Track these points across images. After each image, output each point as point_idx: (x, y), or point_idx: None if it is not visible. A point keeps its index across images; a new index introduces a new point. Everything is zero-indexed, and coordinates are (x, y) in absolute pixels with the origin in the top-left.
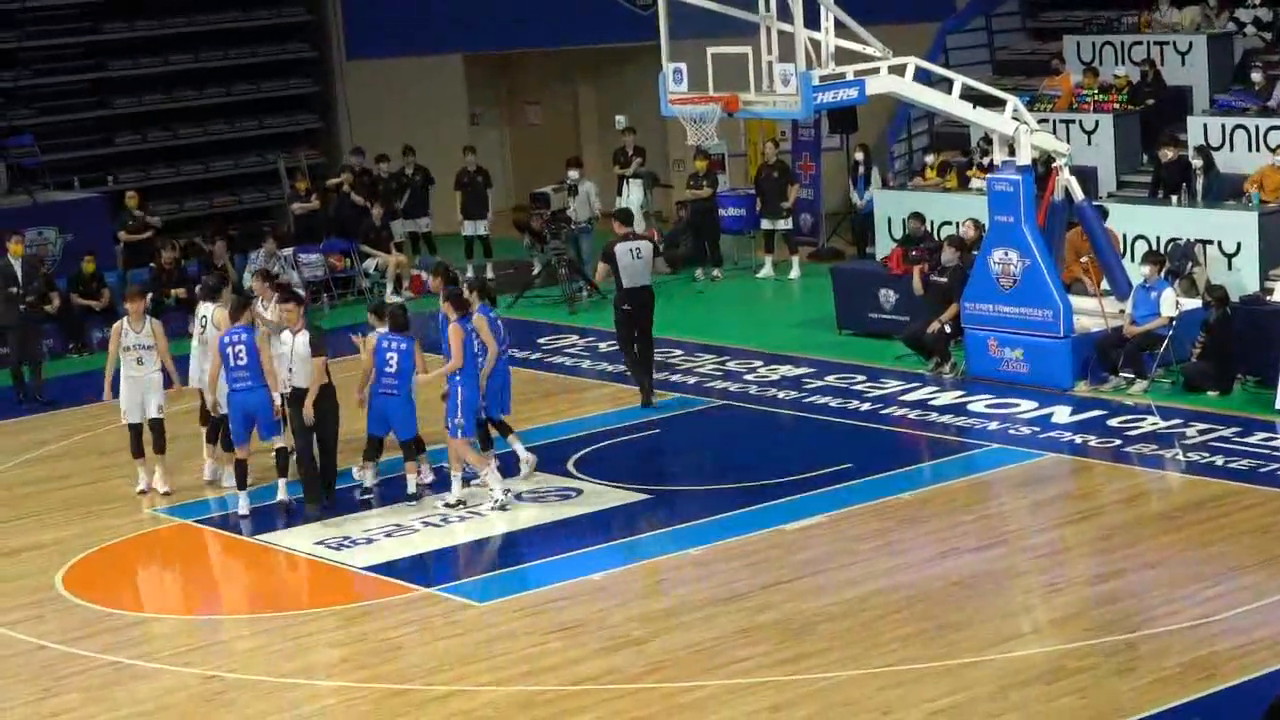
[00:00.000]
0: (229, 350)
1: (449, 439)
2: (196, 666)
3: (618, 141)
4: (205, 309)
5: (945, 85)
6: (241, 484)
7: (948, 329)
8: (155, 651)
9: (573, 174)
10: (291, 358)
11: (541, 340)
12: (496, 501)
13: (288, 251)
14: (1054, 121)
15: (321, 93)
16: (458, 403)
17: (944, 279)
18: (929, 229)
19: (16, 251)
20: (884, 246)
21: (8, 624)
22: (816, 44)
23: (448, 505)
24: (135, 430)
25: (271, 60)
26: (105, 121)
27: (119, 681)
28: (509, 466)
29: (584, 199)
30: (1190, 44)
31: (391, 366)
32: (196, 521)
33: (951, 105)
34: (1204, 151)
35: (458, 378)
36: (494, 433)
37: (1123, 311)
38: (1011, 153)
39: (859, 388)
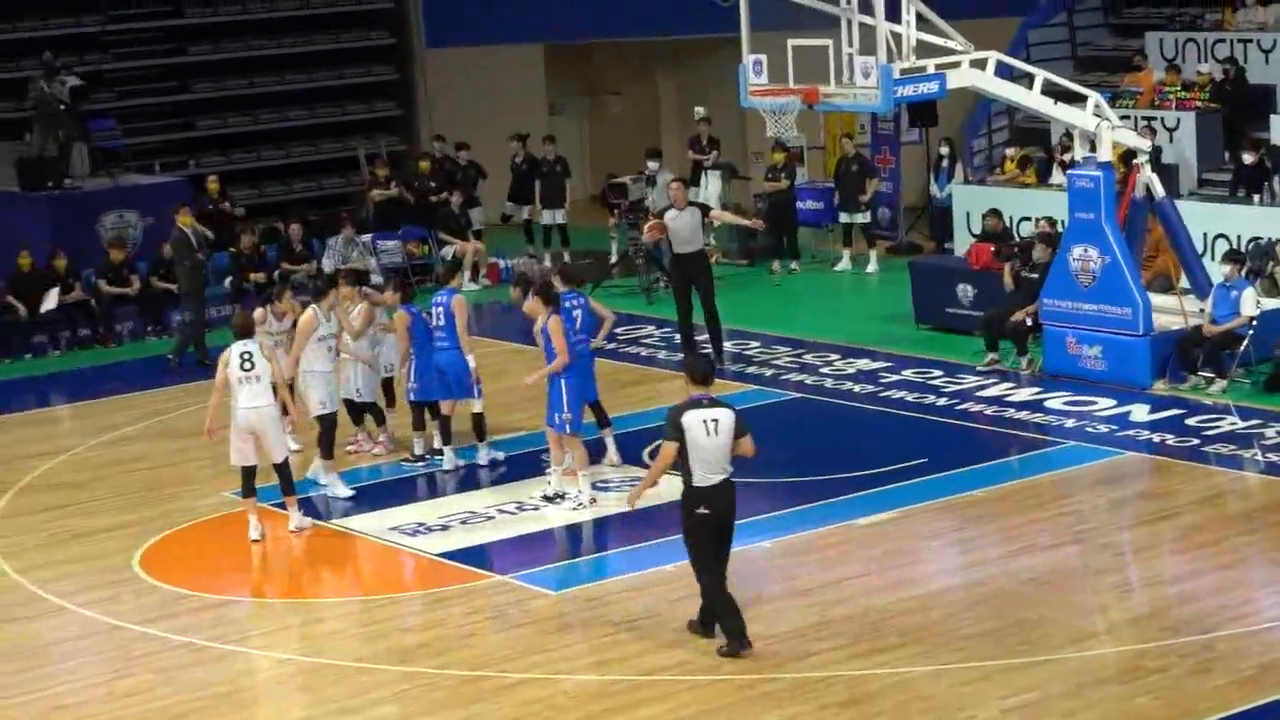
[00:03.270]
0: (433, 311)
1: (552, 433)
2: (271, 650)
3: (695, 132)
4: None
5: (1026, 80)
6: (446, 439)
7: (1029, 321)
8: (230, 634)
9: (652, 165)
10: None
11: (618, 330)
12: (579, 504)
13: (366, 238)
14: (1135, 118)
15: (402, 80)
16: (563, 397)
17: (1034, 275)
18: (1007, 225)
19: (186, 221)
20: (962, 241)
21: (84, 604)
22: (897, 37)
23: (545, 498)
24: (330, 421)
25: (353, 47)
26: (186, 106)
27: (193, 663)
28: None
29: (663, 190)
30: (1275, 42)
31: (578, 324)
32: (273, 505)
33: (1032, 100)
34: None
35: (559, 372)
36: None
37: (1202, 310)
38: (1092, 149)
39: (936, 382)
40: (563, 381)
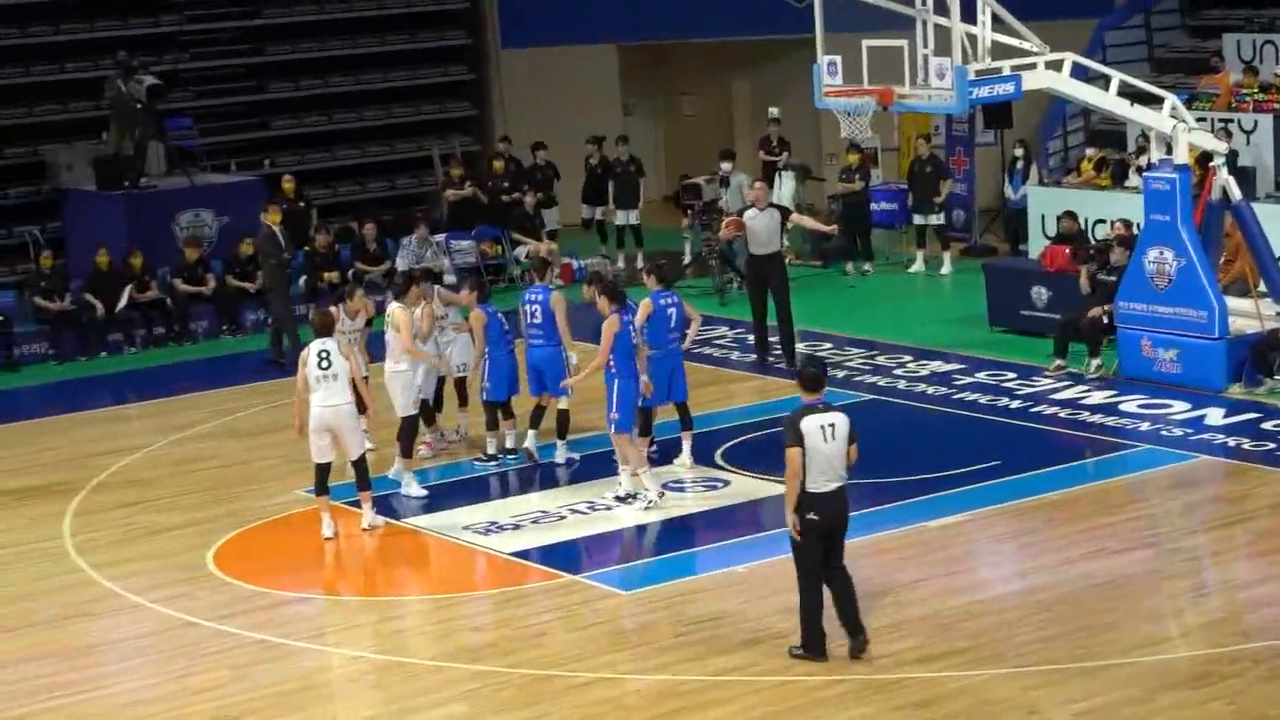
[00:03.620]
0: (526, 308)
1: (611, 433)
2: (343, 647)
3: (766, 132)
4: (391, 309)
5: (1102, 82)
6: (535, 424)
7: (1105, 318)
8: (302, 631)
9: (725, 166)
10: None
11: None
12: (650, 501)
13: (440, 237)
14: (1212, 120)
15: (476, 80)
16: (613, 397)
17: (1112, 278)
18: (1082, 227)
19: (274, 219)
20: (1036, 243)
21: (158, 600)
22: (973, 38)
23: (618, 499)
24: (411, 420)
25: (428, 48)
26: (262, 105)
27: (266, 660)
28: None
29: (736, 191)
30: None
31: (672, 322)
32: (345, 504)
33: (1108, 102)
34: None
35: (613, 370)
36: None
37: (1278, 314)
38: (1168, 151)
39: (1009, 385)
40: (616, 382)
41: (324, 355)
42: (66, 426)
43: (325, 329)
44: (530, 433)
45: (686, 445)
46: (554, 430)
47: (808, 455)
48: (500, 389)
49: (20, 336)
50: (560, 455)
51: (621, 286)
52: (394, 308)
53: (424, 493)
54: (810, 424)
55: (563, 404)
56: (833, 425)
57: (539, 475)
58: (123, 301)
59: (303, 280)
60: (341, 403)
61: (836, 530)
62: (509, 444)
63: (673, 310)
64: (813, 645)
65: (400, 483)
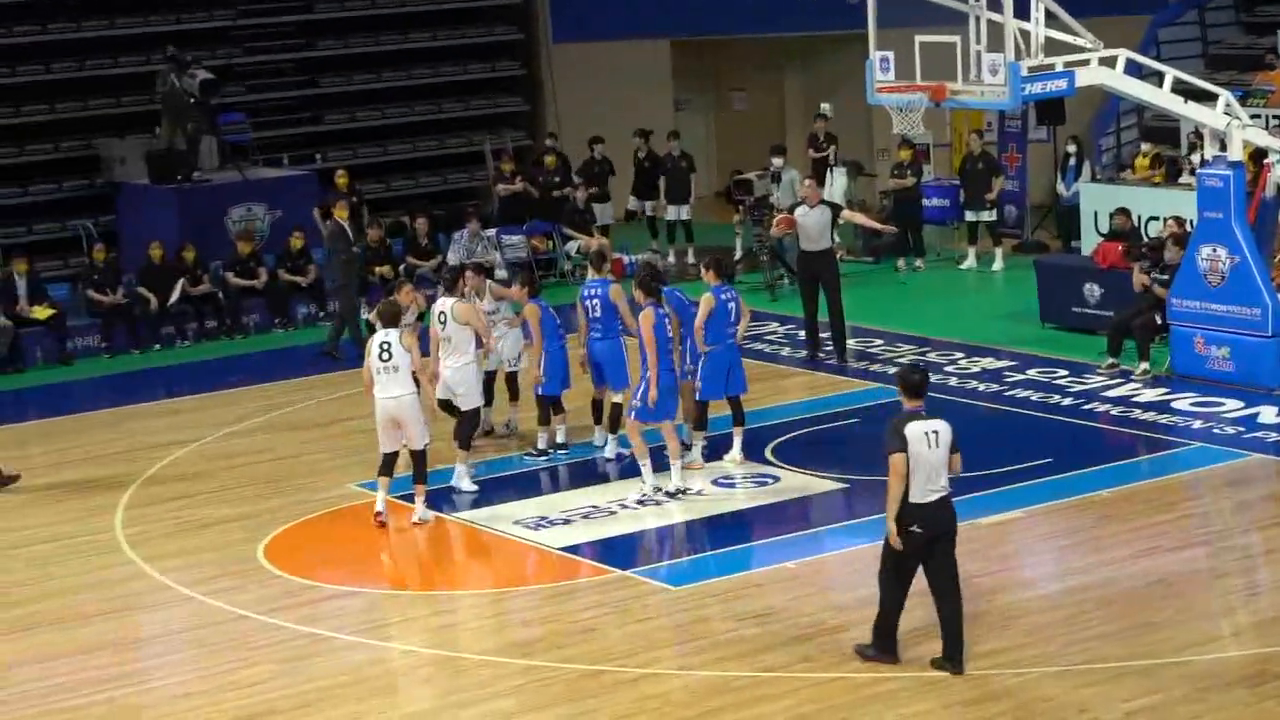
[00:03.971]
0: (588, 303)
1: (665, 425)
2: (393, 641)
3: (814, 128)
4: (444, 303)
5: (1156, 78)
6: (597, 419)
7: (1157, 319)
8: (352, 625)
9: (776, 161)
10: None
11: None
12: (643, 494)
13: (491, 232)
14: (1266, 117)
15: (528, 75)
16: (642, 387)
17: (1164, 276)
18: (1135, 224)
19: (343, 215)
20: (1089, 240)
21: (210, 593)
22: (1026, 34)
23: (668, 494)
24: (473, 413)
25: (479, 42)
26: (314, 100)
27: (316, 653)
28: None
29: (788, 186)
30: None
31: (732, 316)
32: (397, 497)
33: (1162, 99)
34: None
35: (649, 363)
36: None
37: None
38: (1223, 148)
39: (1061, 382)
40: (649, 373)
41: (385, 347)
42: (119, 420)
43: (391, 320)
44: (611, 438)
45: (738, 441)
46: (606, 424)
47: (911, 462)
48: (555, 383)
49: (73, 329)
50: (610, 450)
51: (662, 280)
52: (453, 304)
53: (475, 488)
54: (914, 430)
55: (617, 397)
56: (936, 432)
57: (589, 472)
58: (175, 295)
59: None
60: (403, 393)
61: (940, 542)
62: (560, 439)
63: (732, 305)
64: (885, 648)
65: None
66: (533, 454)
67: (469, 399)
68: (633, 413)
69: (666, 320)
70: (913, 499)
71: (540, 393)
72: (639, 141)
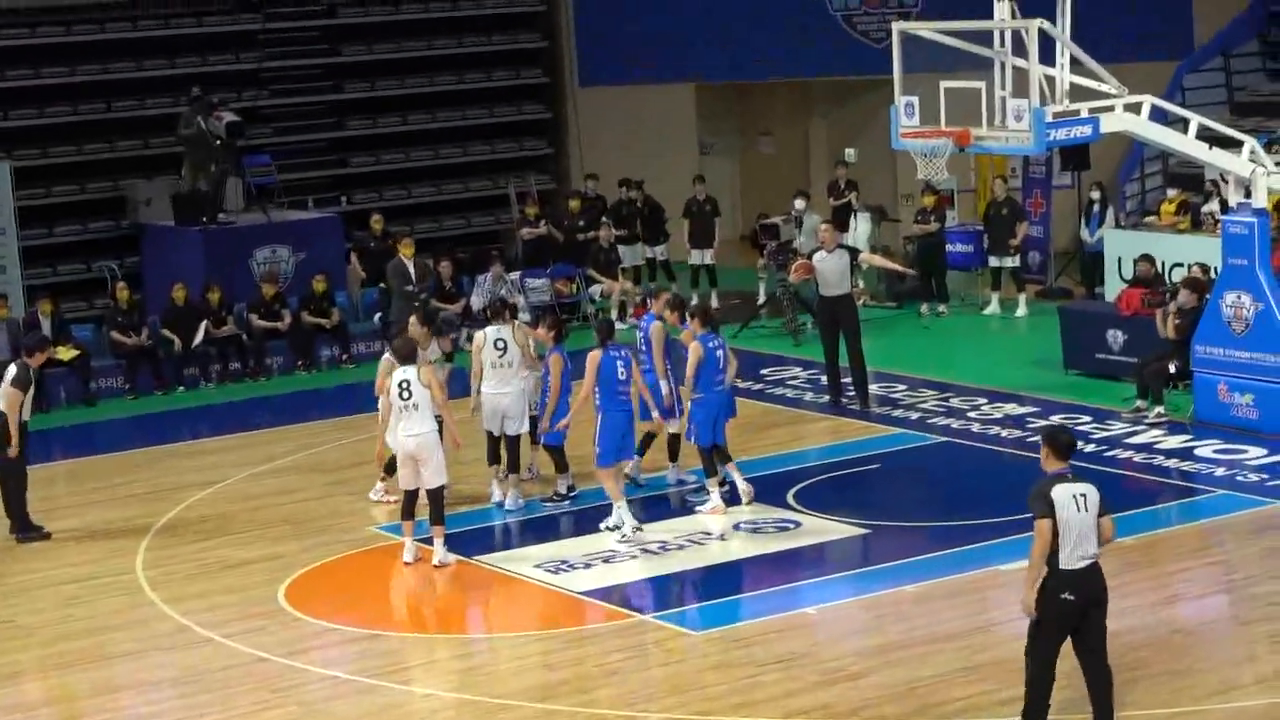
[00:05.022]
0: (638, 336)
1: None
2: (413, 685)
3: (834, 176)
4: (500, 331)
5: (1181, 125)
6: (640, 452)
7: (1173, 368)
8: (373, 668)
9: (799, 204)
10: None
11: (765, 371)
12: (624, 535)
13: (515, 275)
14: None
15: (553, 119)
16: (597, 431)
17: (1179, 321)
18: (1159, 270)
19: (407, 252)
20: (1113, 286)
21: (230, 635)
22: (1051, 80)
23: (608, 528)
24: (493, 441)
25: (505, 85)
26: (340, 143)
27: (337, 696)
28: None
29: (810, 231)
30: None
31: (720, 364)
32: (418, 540)
33: (1187, 145)
34: None
35: (598, 405)
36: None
37: None
38: (1247, 195)
39: (1084, 428)
40: (600, 416)
41: (404, 385)
42: (142, 461)
43: (408, 357)
44: (634, 460)
45: (737, 476)
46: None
47: (1060, 527)
48: (558, 433)
49: (97, 370)
50: (671, 476)
51: (612, 323)
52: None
53: (522, 504)
54: (1061, 493)
55: (672, 428)
56: (1084, 495)
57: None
58: (199, 337)
59: (377, 317)
60: (424, 431)
61: (1092, 611)
62: (561, 489)
63: (720, 352)
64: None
65: (505, 507)
66: (554, 500)
67: (513, 426)
68: (597, 461)
69: (619, 364)
70: (1063, 565)
71: (545, 442)
72: (622, 191)
